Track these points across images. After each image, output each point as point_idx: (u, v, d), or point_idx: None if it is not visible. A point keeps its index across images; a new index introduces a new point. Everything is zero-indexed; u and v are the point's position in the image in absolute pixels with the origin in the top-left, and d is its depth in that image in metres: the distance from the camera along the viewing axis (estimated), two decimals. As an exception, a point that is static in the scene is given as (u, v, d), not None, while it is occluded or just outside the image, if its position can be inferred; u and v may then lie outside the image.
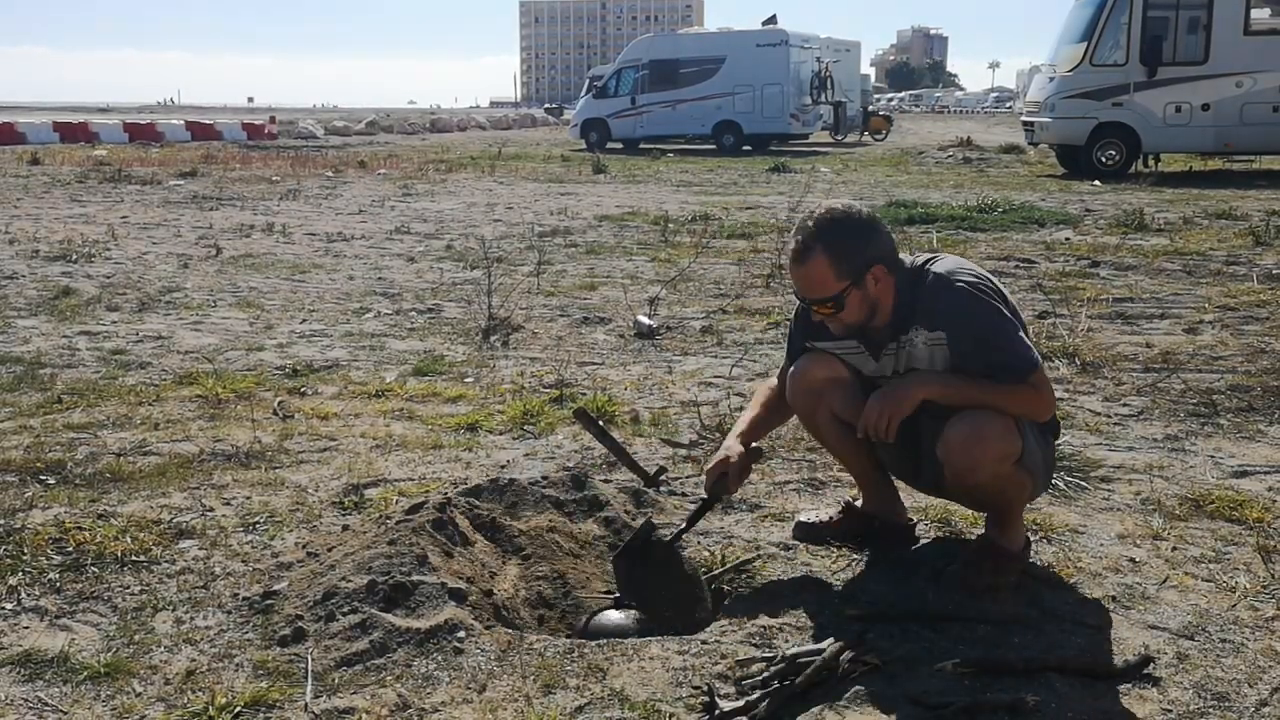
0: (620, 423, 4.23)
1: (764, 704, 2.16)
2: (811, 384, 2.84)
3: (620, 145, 27.88)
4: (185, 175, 17.29)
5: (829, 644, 2.33)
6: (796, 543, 3.07)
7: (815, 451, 3.74)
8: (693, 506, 3.34)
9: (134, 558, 2.96)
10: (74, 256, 8.75)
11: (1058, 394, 4.63)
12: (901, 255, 2.69)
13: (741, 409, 4.24)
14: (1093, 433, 4.13)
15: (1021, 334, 2.61)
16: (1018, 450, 2.59)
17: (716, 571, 2.87)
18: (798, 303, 2.84)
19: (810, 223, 2.62)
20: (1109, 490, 3.51)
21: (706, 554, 2.99)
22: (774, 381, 3.02)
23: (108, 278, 7.88)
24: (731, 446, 2.83)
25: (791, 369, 2.88)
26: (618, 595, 2.71)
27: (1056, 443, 3.30)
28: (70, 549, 3.00)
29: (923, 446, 2.71)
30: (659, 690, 2.28)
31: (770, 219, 11.19)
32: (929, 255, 2.74)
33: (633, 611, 2.63)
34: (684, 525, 2.86)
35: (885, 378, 2.75)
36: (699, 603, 2.70)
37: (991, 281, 2.69)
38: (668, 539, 2.81)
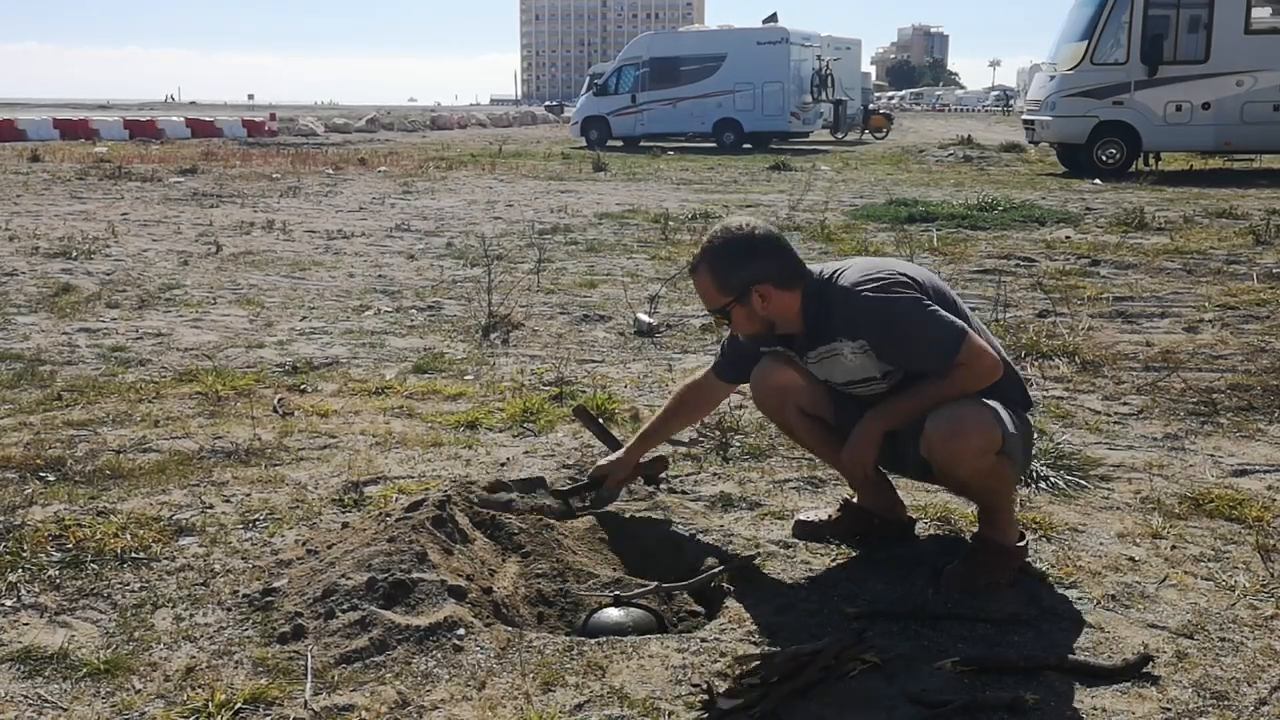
0: (620, 420, 4.23)
1: (763, 702, 2.16)
2: (775, 384, 2.95)
3: (620, 143, 27.87)
4: (185, 172, 17.28)
5: (828, 642, 2.33)
6: (796, 541, 3.07)
7: (815, 450, 3.74)
8: (693, 505, 3.35)
9: (134, 554, 2.97)
10: (74, 253, 8.74)
11: (1057, 392, 4.66)
12: (812, 267, 2.78)
13: (742, 407, 4.26)
14: (1092, 431, 4.13)
15: (940, 313, 2.63)
16: (998, 441, 2.61)
17: (717, 569, 2.87)
18: None
19: (705, 238, 2.78)
20: (1108, 489, 3.51)
21: (706, 552, 2.99)
22: (697, 377, 3.18)
23: (108, 275, 7.88)
24: (625, 460, 3.17)
25: (755, 371, 2.97)
26: (617, 594, 2.71)
27: (1053, 441, 3.32)
28: (70, 546, 3.00)
29: (899, 435, 2.76)
30: (658, 688, 2.28)
31: (771, 217, 11.18)
32: (836, 266, 2.78)
33: (633, 610, 2.63)
34: (567, 489, 3.29)
35: (835, 383, 2.86)
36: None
37: (899, 277, 2.69)
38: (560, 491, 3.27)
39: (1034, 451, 3.21)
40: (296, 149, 25.39)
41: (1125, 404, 4.51)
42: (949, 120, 54.44)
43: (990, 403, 2.63)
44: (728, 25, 31.66)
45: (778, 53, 27.12)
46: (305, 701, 2.24)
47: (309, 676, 2.32)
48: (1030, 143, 19.91)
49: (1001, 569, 2.74)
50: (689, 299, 6.97)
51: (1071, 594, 2.73)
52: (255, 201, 13.27)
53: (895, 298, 2.63)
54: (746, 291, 2.69)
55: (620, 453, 3.22)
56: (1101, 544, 3.05)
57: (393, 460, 3.83)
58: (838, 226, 10.47)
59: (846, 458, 2.79)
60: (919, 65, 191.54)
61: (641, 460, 3.22)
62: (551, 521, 3.08)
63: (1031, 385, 4.69)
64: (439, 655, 2.38)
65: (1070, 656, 2.41)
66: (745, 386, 3.14)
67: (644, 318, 6.12)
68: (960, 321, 2.65)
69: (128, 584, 2.81)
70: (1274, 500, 3.38)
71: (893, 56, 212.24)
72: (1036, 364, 5.10)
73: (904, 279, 2.69)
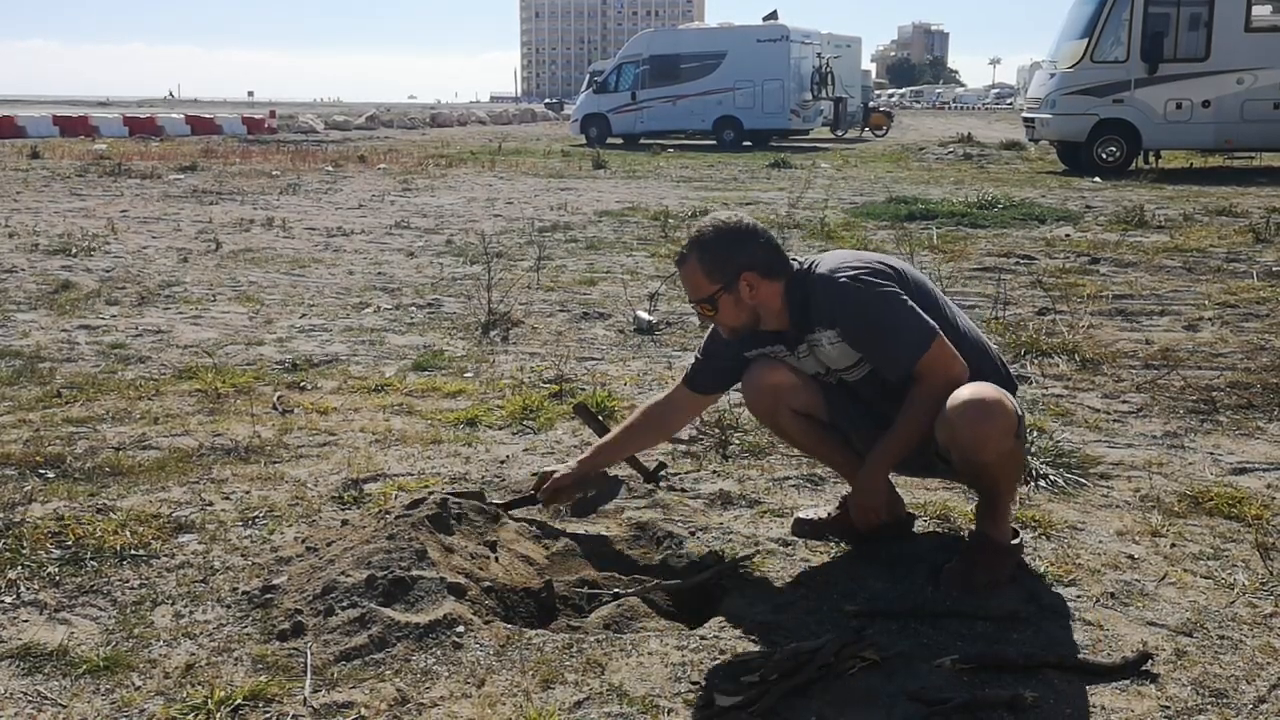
0: (620, 418, 4.21)
1: (762, 700, 2.16)
2: (766, 386, 2.92)
3: (620, 140, 27.86)
4: (185, 169, 17.27)
5: (827, 640, 2.33)
6: (795, 539, 3.07)
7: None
8: (692, 503, 3.35)
9: (133, 552, 2.97)
10: (73, 250, 8.74)
11: (1057, 390, 4.66)
12: (794, 259, 2.78)
13: (741, 405, 4.25)
14: (1092, 429, 4.13)
15: (913, 311, 2.64)
16: (1015, 421, 2.63)
17: (716, 567, 2.87)
18: None
19: (692, 230, 2.78)
20: (1108, 487, 3.51)
21: (706, 550, 2.99)
22: (660, 396, 3.15)
23: (107, 272, 7.88)
24: (571, 471, 3.10)
25: (745, 375, 2.95)
26: (616, 589, 2.71)
27: (1052, 439, 3.31)
28: (69, 543, 3.00)
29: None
30: (658, 685, 2.28)
31: (770, 215, 11.18)
32: (815, 257, 2.80)
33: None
34: (508, 501, 3.19)
35: (819, 375, 2.86)
36: None
37: (878, 266, 2.71)
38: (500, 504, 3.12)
39: (1033, 449, 3.22)
40: (296, 146, 25.39)
41: (1125, 402, 4.51)
42: (949, 118, 54.43)
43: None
44: (728, 23, 31.66)
45: (778, 50, 27.10)
46: (305, 699, 2.24)
47: (308, 674, 2.32)
48: (1030, 141, 19.90)
49: (1000, 567, 2.74)
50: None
51: (1071, 592, 2.73)
52: (255, 199, 13.26)
53: (872, 285, 2.64)
54: (735, 279, 2.69)
55: (571, 464, 3.14)
56: (1101, 542, 3.05)
57: (392, 458, 3.83)
58: (838, 224, 10.47)
59: (854, 505, 2.83)
60: (919, 63, 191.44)
61: (592, 475, 3.17)
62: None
63: (1030, 383, 4.71)
64: (438, 652, 2.38)
65: (1070, 654, 2.41)
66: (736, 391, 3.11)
67: (644, 315, 6.12)
68: (933, 323, 2.65)
69: (127, 581, 2.81)
70: (1273, 498, 3.39)
71: (893, 54, 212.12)
72: (1036, 362, 5.10)
73: (885, 269, 2.71)
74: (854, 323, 2.67)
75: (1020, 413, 2.69)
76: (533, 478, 3.39)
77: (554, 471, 3.14)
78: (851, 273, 2.67)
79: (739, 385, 3.00)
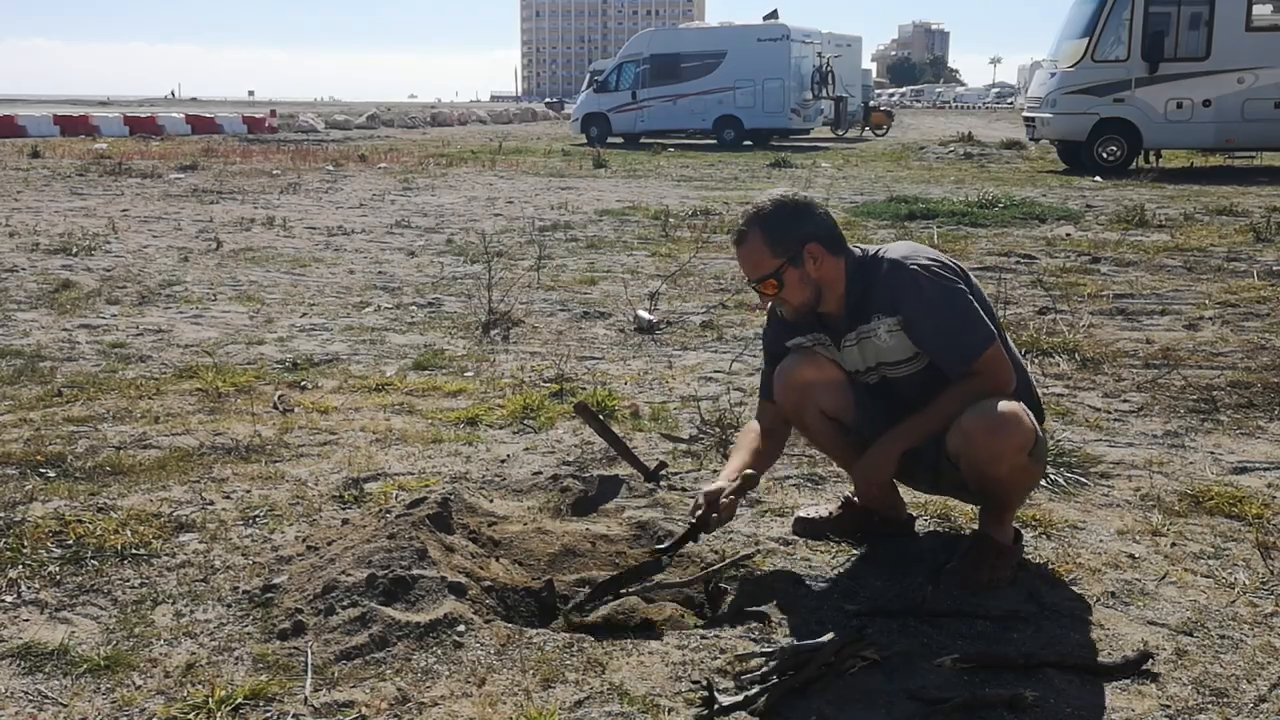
0: (620, 417, 4.23)
1: (763, 698, 2.16)
2: (799, 382, 2.87)
3: (621, 140, 27.85)
4: (185, 168, 17.27)
5: (828, 639, 2.33)
6: (796, 538, 3.07)
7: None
8: (693, 502, 3.35)
9: (134, 551, 2.97)
10: (74, 250, 8.74)
11: (1057, 389, 4.66)
12: (855, 246, 2.77)
13: (742, 404, 4.26)
14: (1092, 428, 4.13)
15: (979, 311, 2.65)
16: (1032, 439, 2.61)
17: (717, 566, 2.87)
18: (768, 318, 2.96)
19: (749, 208, 2.75)
20: (1108, 486, 3.51)
21: (707, 550, 2.99)
22: (756, 425, 2.98)
23: (108, 271, 7.87)
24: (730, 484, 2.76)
25: (779, 367, 2.90)
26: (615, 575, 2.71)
27: (1053, 438, 3.29)
28: (70, 542, 3.00)
29: (916, 449, 2.75)
30: (658, 684, 2.28)
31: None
32: (881, 246, 2.79)
33: None
34: (675, 542, 2.78)
35: (860, 373, 2.81)
36: None
37: (949, 263, 2.73)
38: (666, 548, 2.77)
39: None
40: (297, 145, 25.38)
41: (1125, 401, 4.51)
42: (949, 117, 54.42)
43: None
44: (728, 22, 31.66)
45: (778, 49, 27.09)
46: (305, 698, 2.24)
47: (309, 673, 2.32)
48: (1031, 140, 19.89)
49: (1001, 566, 2.74)
50: (689, 296, 6.98)
51: (1071, 591, 2.73)
52: (255, 198, 13.26)
53: (942, 278, 2.64)
54: (799, 251, 2.65)
55: (731, 481, 2.78)
56: (1101, 541, 3.05)
57: (393, 457, 3.83)
58: (839, 224, 10.45)
59: (860, 475, 2.78)
60: (919, 62, 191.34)
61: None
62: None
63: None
64: (439, 651, 2.38)
65: (1070, 654, 2.41)
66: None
67: (644, 314, 6.12)
68: (992, 326, 2.66)
69: (128, 580, 2.81)
70: (1274, 498, 3.38)
71: (893, 53, 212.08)
72: (1037, 361, 5.10)
73: (955, 266, 2.71)
74: (923, 312, 2.64)
75: (1040, 433, 2.67)
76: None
77: (717, 492, 2.74)
78: (925, 262, 2.66)
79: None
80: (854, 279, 2.71)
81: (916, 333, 2.67)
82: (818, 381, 2.85)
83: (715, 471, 3.64)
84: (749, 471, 2.80)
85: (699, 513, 2.73)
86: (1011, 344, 2.87)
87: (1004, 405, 2.59)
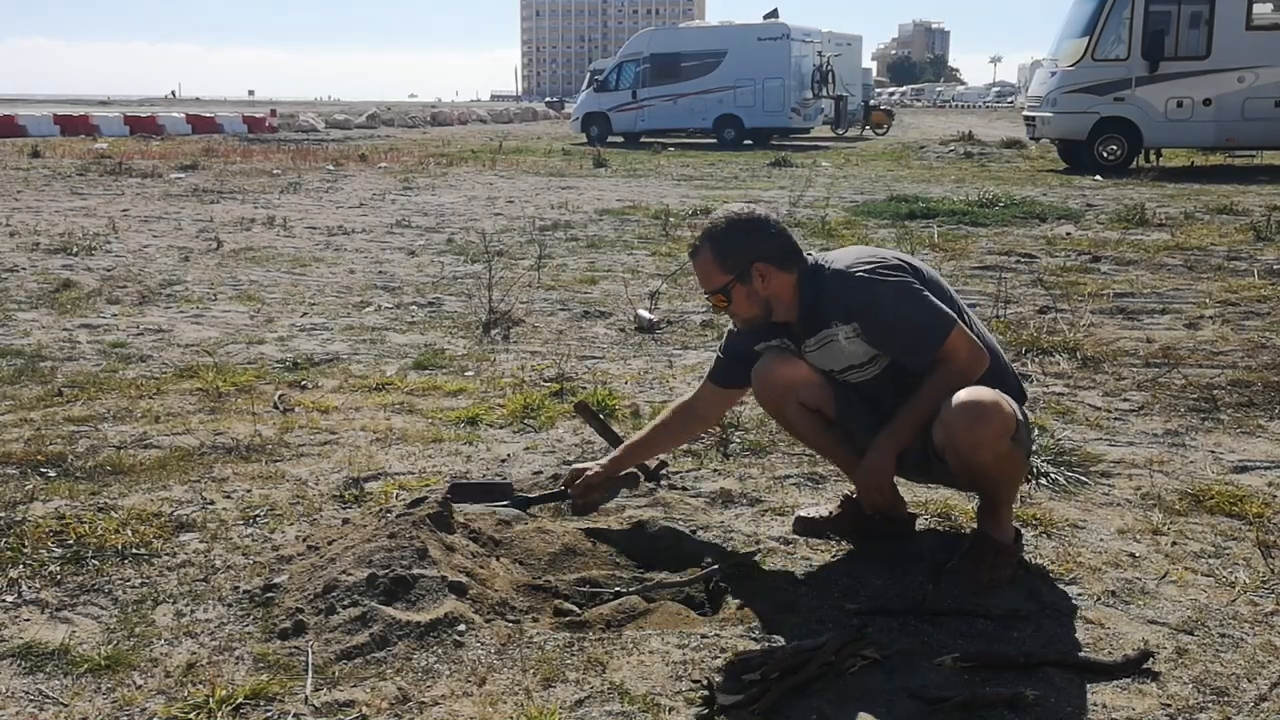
0: (621, 416, 4.23)
1: (763, 698, 2.16)
2: (777, 380, 2.90)
3: (621, 139, 27.85)
4: (186, 168, 17.27)
5: (828, 638, 2.33)
6: (796, 537, 3.07)
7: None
8: (693, 501, 3.35)
9: (134, 550, 2.97)
10: (74, 249, 8.74)
11: (1058, 388, 4.66)
12: (808, 255, 2.80)
13: (743, 404, 4.25)
14: (1093, 428, 4.13)
15: (933, 300, 2.67)
16: (1013, 425, 2.63)
17: (717, 566, 2.87)
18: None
19: (706, 223, 2.81)
20: (1109, 485, 3.51)
21: (707, 549, 2.99)
22: (687, 397, 3.17)
23: (108, 271, 7.88)
24: (602, 469, 3.12)
25: (756, 366, 2.93)
26: (616, 588, 2.71)
27: (1053, 437, 3.29)
28: (71, 542, 3.00)
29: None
30: (658, 683, 2.28)
31: (772, 213, 11.15)
32: (827, 255, 2.83)
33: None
34: (534, 498, 3.21)
35: (836, 371, 2.85)
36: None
37: (891, 260, 2.74)
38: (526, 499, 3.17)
39: (1035, 448, 3.22)
40: (297, 145, 25.38)
41: (1126, 400, 4.51)
42: (950, 116, 54.42)
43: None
44: (728, 21, 31.65)
45: (778, 49, 27.10)
46: (306, 697, 2.24)
47: (309, 672, 2.32)
48: (1031, 139, 19.89)
49: (1001, 565, 2.75)
50: (690, 295, 6.97)
51: (1072, 590, 2.73)
52: (256, 197, 13.26)
53: (888, 279, 2.67)
54: (748, 269, 2.71)
55: (602, 462, 3.17)
56: (1102, 540, 3.05)
57: (393, 456, 3.83)
58: (839, 223, 10.47)
59: (861, 482, 2.81)
60: (920, 61, 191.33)
61: (622, 474, 3.19)
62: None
63: (1031, 381, 4.70)
64: (440, 651, 2.38)
65: (1070, 652, 2.41)
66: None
67: (644, 314, 6.12)
68: (950, 311, 2.67)
69: (128, 580, 2.81)
70: (1274, 497, 3.38)
71: (894, 52, 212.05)
72: (1037, 360, 5.10)
73: (899, 263, 2.73)
74: (872, 316, 2.68)
75: (1021, 417, 2.69)
76: (558, 476, 3.39)
77: (586, 469, 3.15)
78: (866, 268, 2.69)
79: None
80: (805, 288, 2.75)
81: (874, 337, 2.71)
82: (796, 378, 2.89)
83: (716, 470, 3.65)
84: (630, 471, 3.14)
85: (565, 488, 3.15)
86: (980, 325, 2.87)
87: (982, 393, 2.61)
